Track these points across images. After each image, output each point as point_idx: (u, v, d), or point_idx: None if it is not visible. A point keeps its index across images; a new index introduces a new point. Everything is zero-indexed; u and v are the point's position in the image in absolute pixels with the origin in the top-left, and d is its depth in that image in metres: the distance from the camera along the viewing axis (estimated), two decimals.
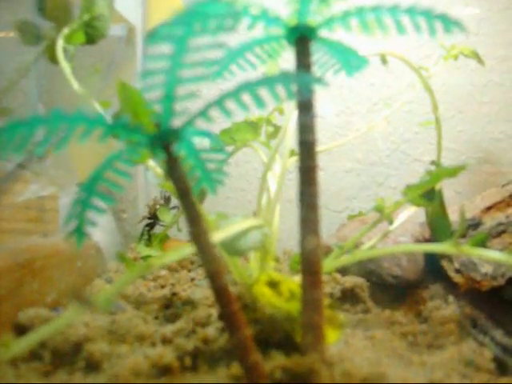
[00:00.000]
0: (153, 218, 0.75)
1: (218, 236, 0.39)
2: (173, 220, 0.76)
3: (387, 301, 0.59)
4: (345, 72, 0.36)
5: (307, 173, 0.35)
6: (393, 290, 0.59)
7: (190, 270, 0.68)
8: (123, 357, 0.40)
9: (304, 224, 0.36)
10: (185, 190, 0.32)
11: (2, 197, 0.56)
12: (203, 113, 0.31)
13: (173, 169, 0.32)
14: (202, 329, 0.43)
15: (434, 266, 0.61)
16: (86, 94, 0.52)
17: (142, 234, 0.73)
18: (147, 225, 0.74)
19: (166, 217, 0.76)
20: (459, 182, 0.76)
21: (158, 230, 0.76)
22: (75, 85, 0.53)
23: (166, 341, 0.43)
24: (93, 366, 0.40)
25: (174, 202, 0.77)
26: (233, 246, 0.40)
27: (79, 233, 0.35)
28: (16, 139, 0.29)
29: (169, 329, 0.44)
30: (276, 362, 0.34)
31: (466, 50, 0.72)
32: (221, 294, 0.32)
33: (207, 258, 0.32)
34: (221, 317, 0.32)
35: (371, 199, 0.77)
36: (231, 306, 0.32)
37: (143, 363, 0.38)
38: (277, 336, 0.42)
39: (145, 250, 0.70)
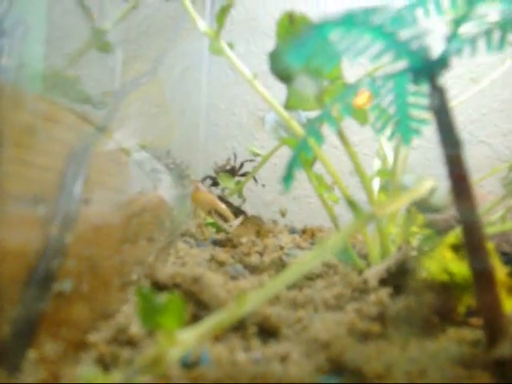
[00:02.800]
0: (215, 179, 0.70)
1: (414, 193, 0.35)
2: (236, 187, 0.71)
3: None
4: None
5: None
6: None
7: (274, 236, 0.63)
8: (304, 322, 0.35)
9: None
10: (447, 125, 0.29)
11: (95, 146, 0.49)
12: (471, 41, 0.28)
13: (437, 101, 0.28)
14: (365, 294, 0.40)
15: None
16: (212, 33, 0.46)
17: None
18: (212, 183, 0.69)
19: (227, 183, 0.71)
20: None
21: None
22: (201, 23, 0.47)
23: (331, 306, 0.39)
24: (268, 332, 0.35)
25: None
26: (426, 204, 0.37)
27: (290, 176, 0.31)
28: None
29: (325, 294, 0.40)
30: None
31: None
32: (476, 247, 0.29)
33: (466, 205, 0.29)
34: (473, 273, 0.29)
35: (436, 179, 0.76)
36: (486, 262, 0.29)
37: (338, 329, 0.33)
38: (443, 305, 0.39)
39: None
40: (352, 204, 0.30)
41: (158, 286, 0.39)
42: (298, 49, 0.23)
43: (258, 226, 0.71)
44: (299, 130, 0.45)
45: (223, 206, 0.63)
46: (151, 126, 0.72)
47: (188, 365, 0.28)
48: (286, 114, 0.45)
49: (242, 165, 0.70)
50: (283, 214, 0.73)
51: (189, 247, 0.57)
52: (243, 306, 0.26)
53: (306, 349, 0.32)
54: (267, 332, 0.35)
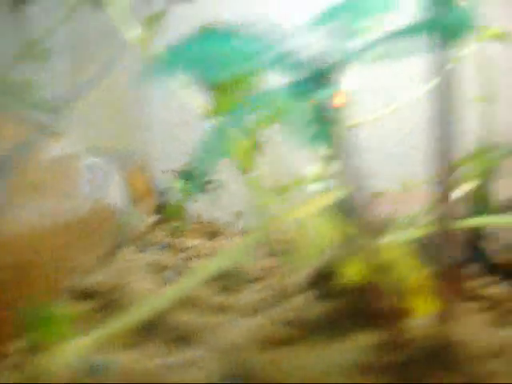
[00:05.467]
0: None
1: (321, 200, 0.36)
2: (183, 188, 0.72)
3: None
4: None
5: None
6: None
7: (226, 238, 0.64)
8: (220, 328, 0.36)
9: None
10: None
11: (36, 152, 0.50)
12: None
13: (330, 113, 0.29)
14: (290, 298, 0.40)
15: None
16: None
17: None
18: None
19: (174, 183, 0.71)
20: None
21: None
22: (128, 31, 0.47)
23: (254, 310, 0.39)
24: (184, 339, 0.35)
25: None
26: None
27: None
28: None
29: (249, 298, 0.41)
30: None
31: None
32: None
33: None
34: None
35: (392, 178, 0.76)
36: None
37: (250, 334, 0.34)
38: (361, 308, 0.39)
39: None
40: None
41: (85, 294, 0.40)
42: (176, 53, 0.24)
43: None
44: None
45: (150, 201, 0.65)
46: (103, 129, 0.72)
47: (91, 372, 0.29)
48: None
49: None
50: (239, 216, 0.73)
51: (137, 252, 0.57)
52: (141, 310, 0.27)
53: (215, 355, 0.32)
54: (183, 338, 0.35)
